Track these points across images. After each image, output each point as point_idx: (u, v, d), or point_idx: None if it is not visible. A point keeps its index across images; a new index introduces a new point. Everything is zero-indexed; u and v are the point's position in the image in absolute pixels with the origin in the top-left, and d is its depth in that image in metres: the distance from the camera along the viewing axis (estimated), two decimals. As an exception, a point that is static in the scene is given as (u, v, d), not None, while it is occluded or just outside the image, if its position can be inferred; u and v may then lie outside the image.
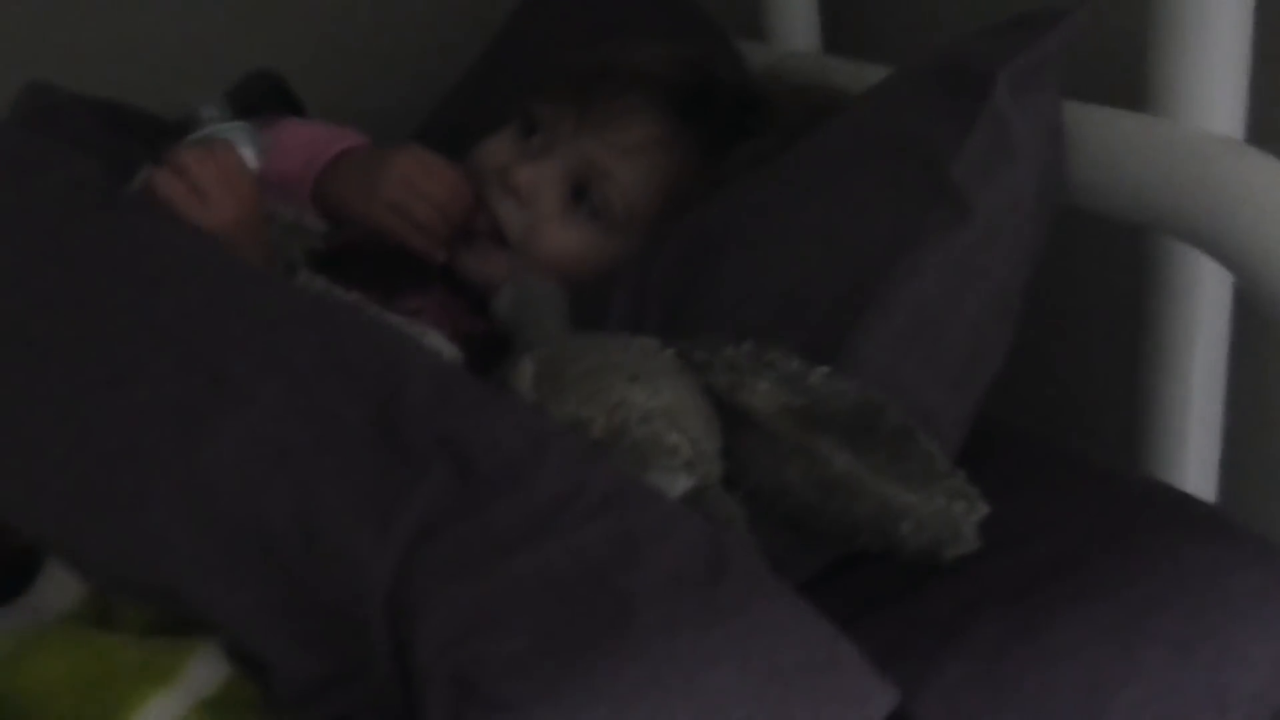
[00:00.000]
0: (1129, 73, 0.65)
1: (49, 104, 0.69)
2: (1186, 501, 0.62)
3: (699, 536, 0.48)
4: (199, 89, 0.96)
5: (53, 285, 0.51)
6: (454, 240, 0.76)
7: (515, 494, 0.46)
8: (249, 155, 0.66)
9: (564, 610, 0.44)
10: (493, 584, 0.44)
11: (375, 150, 0.78)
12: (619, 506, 0.47)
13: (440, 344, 0.66)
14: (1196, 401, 0.69)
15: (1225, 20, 0.61)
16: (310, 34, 1.16)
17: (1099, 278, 0.83)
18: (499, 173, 0.74)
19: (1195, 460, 0.70)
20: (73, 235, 0.53)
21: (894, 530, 0.55)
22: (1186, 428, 0.69)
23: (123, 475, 0.45)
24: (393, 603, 0.44)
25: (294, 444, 0.46)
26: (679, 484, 0.55)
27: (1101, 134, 0.63)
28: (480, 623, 0.43)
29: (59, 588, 0.52)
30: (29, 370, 0.49)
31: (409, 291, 0.73)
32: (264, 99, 0.97)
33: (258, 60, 1.00)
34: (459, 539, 0.45)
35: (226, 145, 0.64)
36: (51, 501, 0.46)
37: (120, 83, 1.09)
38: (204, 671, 0.47)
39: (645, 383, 0.54)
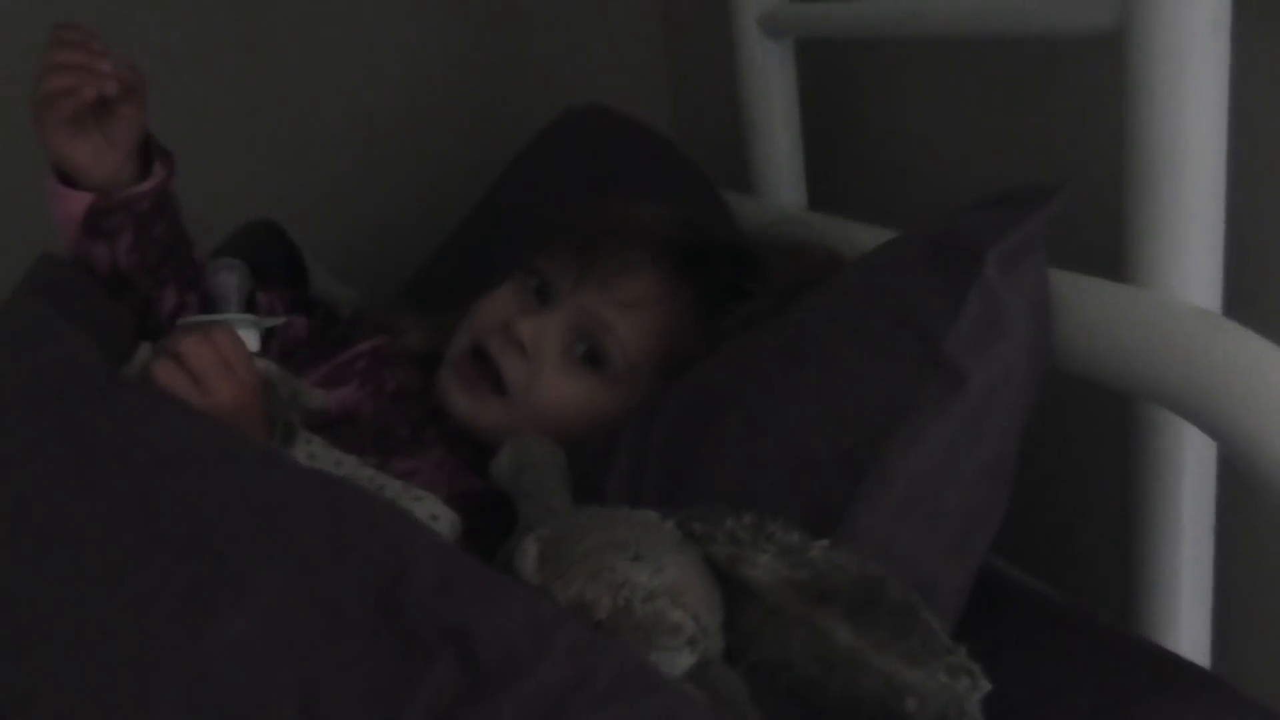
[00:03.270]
0: (1110, 244, 0.67)
1: (57, 275, 0.70)
2: (1189, 670, 0.62)
3: None
4: (200, 235, 0.98)
5: (49, 470, 0.51)
6: (451, 381, 0.76)
7: (521, 684, 0.46)
8: (249, 338, 0.67)
9: None
10: None
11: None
12: (625, 695, 0.47)
13: (438, 509, 0.66)
14: (1186, 561, 0.69)
15: (1201, 195, 0.64)
16: (309, 183, 1.19)
17: (1089, 440, 0.84)
18: (502, 325, 0.75)
19: (1188, 619, 0.71)
20: (69, 417, 0.53)
21: (898, 707, 0.55)
22: (1179, 587, 0.70)
23: (124, 673, 0.44)
24: None
25: (297, 635, 0.46)
26: (682, 661, 0.55)
27: (1084, 303, 0.64)
28: None
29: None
30: (27, 560, 0.48)
31: (404, 453, 0.74)
32: (262, 247, 0.99)
33: (259, 207, 1.02)
34: None
35: (225, 329, 0.64)
36: (49, 701, 0.45)
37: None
38: None
39: (648, 561, 0.54)
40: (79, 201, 0.75)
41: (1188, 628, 0.70)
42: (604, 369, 0.75)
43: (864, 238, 0.76)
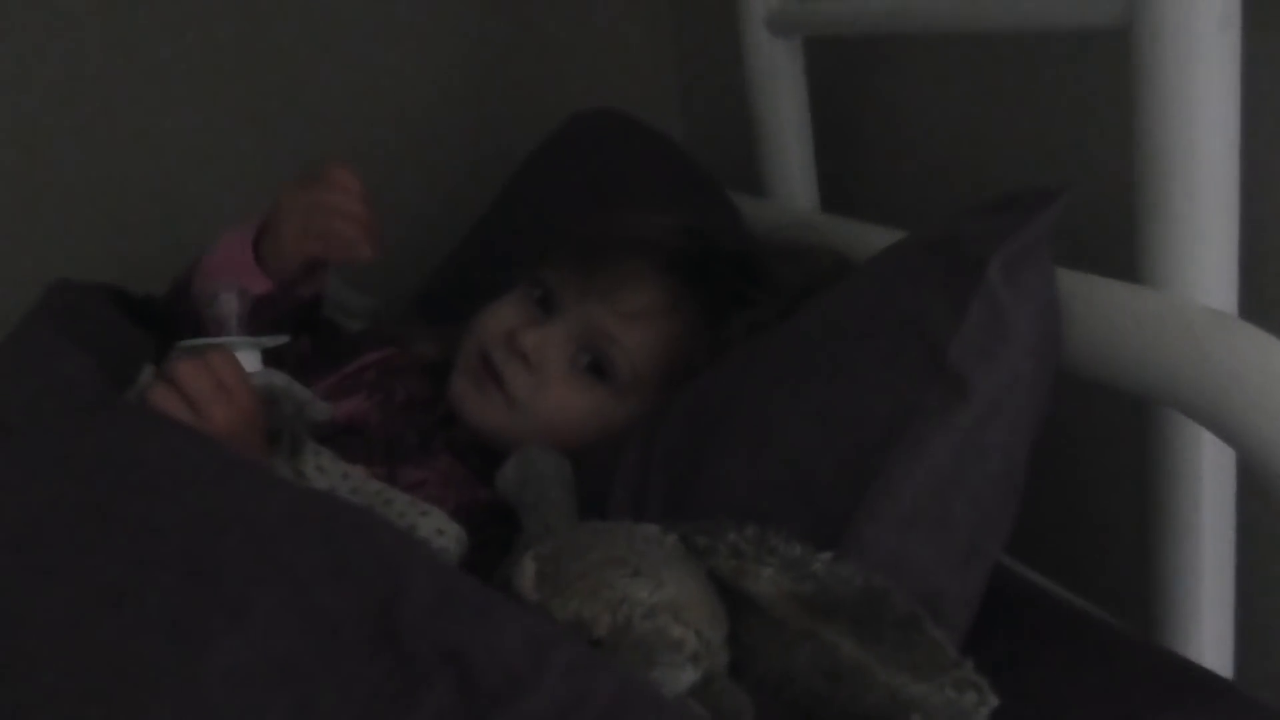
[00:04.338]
0: (1121, 244, 0.66)
1: (70, 300, 0.70)
2: (1210, 680, 0.61)
3: None
4: (212, 229, 0.99)
5: (47, 494, 0.51)
6: (465, 387, 0.76)
7: (517, 706, 0.45)
8: (249, 359, 0.66)
9: None
10: None
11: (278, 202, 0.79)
12: (625, 715, 0.47)
13: (444, 523, 0.66)
14: (1207, 569, 0.68)
15: (1213, 194, 0.62)
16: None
17: (1106, 445, 0.83)
18: (506, 336, 0.75)
19: (1209, 627, 0.69)
20: (67, 440, 0.53)
21: (904, 720, 0.54)
22: (1199, 595, 0.68)
23: (122, 698, 0.45)
24: None
25: (293, 659, 0.46)
26: (685, 677, 0.54)
27: (1096, 305, 0.63)
28: None
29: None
30: (24, 584, 0.49)
31: (412, 463, 0.73)
32: None
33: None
34: None
35: (222, 353, 0.64)
36: None
37: (141, 232, 1.13)
38: None
39: (648, 576, 0.54)
40: (259, 284, 0.76)
41: (1209, 637, 0.69)
42: (609, 380, 0.74)
43: (877, 239, 0.75)
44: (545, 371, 0.74)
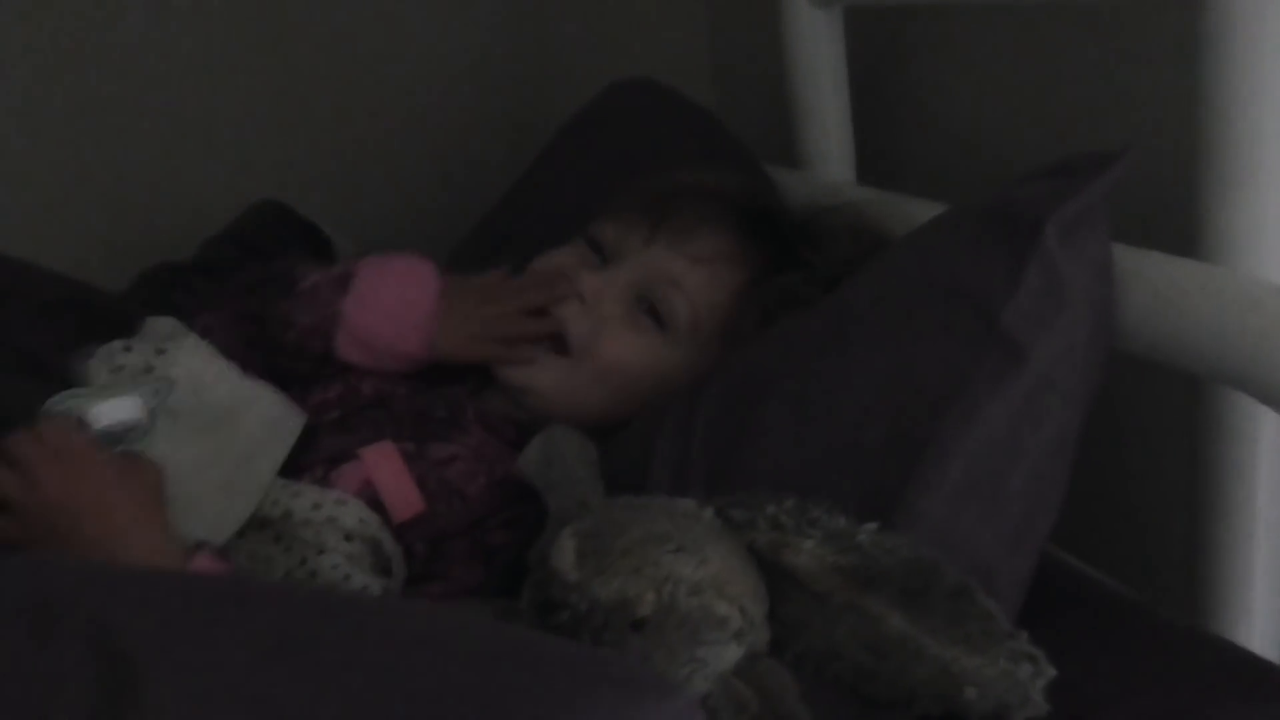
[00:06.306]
0: (1181, 218, 0.64)
1: None
2: (1267, 669, 0.59)
3: None
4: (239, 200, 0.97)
5: None
6: (503, 351, 0.75)
7: None
8: (123, 408, 0.64)
9: None
10: None
11: (450, 296, 0.76)
12: None
13: (363, 513, 0.65)
14: (1260, 554, 0.66)
15: (1276, 168, 0.60)
16: (348, 164, 1.18)
17: (1156, 425, 0.81)
18: (565, 278, 0.74)
19: (1261, 614, 0.67)
20: None
21: (957, 695, 0.52)
22: (1251, 581, 0.67)
23: None
24: None
25: None
26: (730, 655, 0.53)
27: (1152, 280, 0.61)
28: None
29: None
30: None
31: (441, 438, 0.72)
32: (269, 227, 0.98)
33: (300, 190, 1.01)
34: None
35: (53, 422, 0.62)
36: None
37: (155, 209, 1.12)
38: None
39: (691, 552, 0.52)
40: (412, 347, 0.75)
41: (1260, 624, 0.67)
42: (668, 325, 0.73)
43: (915, 212, 0.73)
44: (603, 314, 0.73)
